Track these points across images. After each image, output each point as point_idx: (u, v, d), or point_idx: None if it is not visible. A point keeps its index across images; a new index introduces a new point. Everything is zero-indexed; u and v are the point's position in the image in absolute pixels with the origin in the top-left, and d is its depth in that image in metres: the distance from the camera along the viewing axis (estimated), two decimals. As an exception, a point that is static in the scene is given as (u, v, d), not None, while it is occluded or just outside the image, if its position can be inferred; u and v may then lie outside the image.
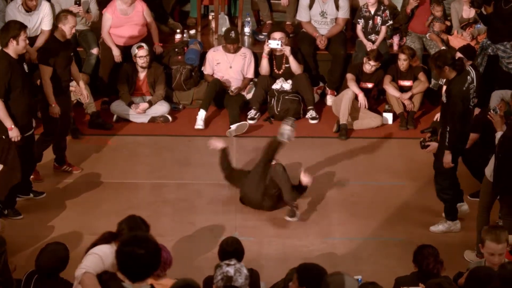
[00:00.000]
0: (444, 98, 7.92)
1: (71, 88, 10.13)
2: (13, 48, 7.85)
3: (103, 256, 5.39)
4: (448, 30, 11.22)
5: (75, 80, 9.29)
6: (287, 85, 10.67)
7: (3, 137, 7.90)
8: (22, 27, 7.93)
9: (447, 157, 7.93)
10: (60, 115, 8.77)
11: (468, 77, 7.91)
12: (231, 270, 4.99)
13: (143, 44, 10.50)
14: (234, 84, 10.75)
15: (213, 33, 11.94)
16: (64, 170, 9.24)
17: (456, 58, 8.14)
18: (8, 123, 7.87)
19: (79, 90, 9.47)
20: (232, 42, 10.71)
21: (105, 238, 5.56)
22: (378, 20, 11.01)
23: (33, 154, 8.49)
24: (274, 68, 10.82)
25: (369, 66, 10.45)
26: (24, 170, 8.13)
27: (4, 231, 7.83)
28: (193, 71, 10.93)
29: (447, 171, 8.05)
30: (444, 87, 10.08)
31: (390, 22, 11.07)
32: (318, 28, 11.15)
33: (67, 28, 8.66)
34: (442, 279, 5.96)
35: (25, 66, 8.06)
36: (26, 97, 8.02)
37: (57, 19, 8.85)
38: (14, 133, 7.89)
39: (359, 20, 11.06)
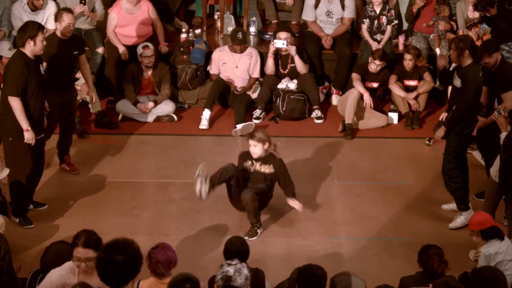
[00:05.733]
0: (458, 83, 7.86)
1: (76, 87, 10.17)
2: (30, 49, 7.70)
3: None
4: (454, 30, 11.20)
5: (85, 79, 9.25)
6: (292, 85, 10.66)
7: (10, 139, 7.80)
8: (40, 28, 7.79)
9: (440, 131, 8.13)
10: (63, 113, 8.80)
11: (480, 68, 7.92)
12: (231, 270, 5.00)
13: (149, 44, 10.49)
14: (240, 83, 10.75)
15: (219, 33, 11.93)
16: (62, 168, 9.21)
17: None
18: (25, 124, 7.68)
19: (85, 89, 9.46)
20: (240, 43, 10.70)
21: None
22: (384, 19, 11.00)
23: (43, 159, 8.34)
24: (280, 67, 10.81)
25: (374, 65, 10.44)
26: (33, 175, 8.03)
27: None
28: (199, 71, 10.93)
29: (452, 157, 8.06)
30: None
31: (396, 21, 11.06)
32: (323, 27, 11.13)
33: (63, 25, 8.60)
34: (448, 277, 5.96)
35: (42, 68, 7.92)
36: (39, 99, 7.84)
37: (55, 16, 8.82)
38: (29, 136, 7.72)
39: (364, 20, 11.05)
